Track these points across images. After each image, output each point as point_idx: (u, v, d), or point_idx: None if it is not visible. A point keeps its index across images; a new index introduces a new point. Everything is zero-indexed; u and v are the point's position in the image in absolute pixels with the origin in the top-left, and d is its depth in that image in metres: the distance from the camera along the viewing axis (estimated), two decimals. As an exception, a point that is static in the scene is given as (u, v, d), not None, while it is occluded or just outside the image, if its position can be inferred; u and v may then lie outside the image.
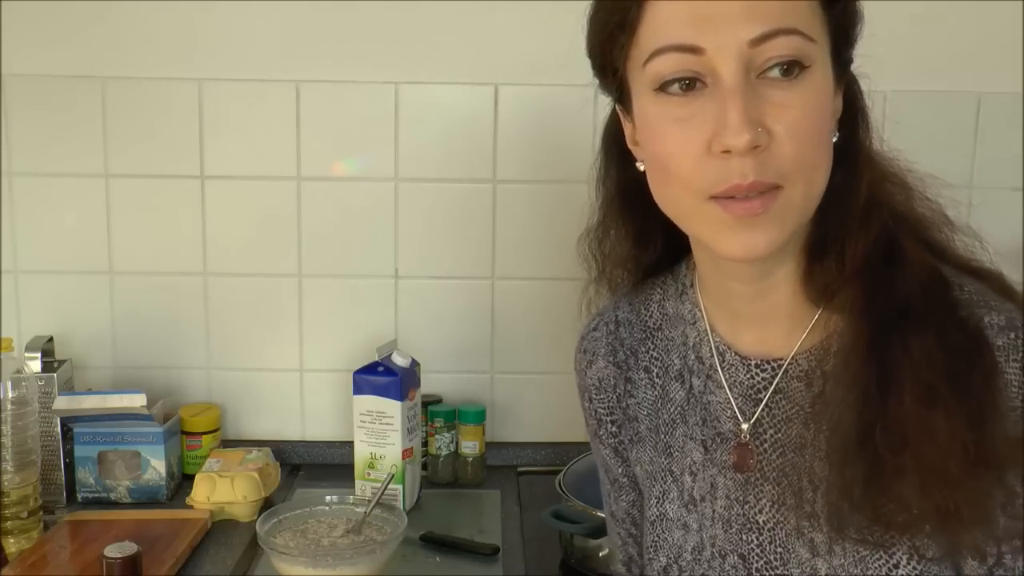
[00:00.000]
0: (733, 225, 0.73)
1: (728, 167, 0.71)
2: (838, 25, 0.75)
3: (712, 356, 0.87)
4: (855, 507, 0.74)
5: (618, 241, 0.91)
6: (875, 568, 0.77)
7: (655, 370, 0.93)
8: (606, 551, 1.33)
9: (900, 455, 0.72)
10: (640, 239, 0.89)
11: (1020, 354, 0.74)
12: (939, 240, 0.82)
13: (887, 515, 0.74)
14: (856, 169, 0.78)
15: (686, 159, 0.74)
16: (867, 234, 0.77)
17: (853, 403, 0.75)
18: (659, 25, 0.74)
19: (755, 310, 0.84)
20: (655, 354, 0.93)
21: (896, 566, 0.76)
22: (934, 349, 0.73)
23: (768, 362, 0.84)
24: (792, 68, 0.72)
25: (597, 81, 0.83)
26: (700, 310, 0.89)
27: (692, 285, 0.90)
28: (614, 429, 0.96)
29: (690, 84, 0.73)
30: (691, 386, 0.89)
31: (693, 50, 0.72)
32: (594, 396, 0.97)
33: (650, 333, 0.94)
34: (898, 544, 0.76)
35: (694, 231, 0.79)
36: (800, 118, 0.72)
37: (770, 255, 0.76)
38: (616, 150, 0.88)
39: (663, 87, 0.74)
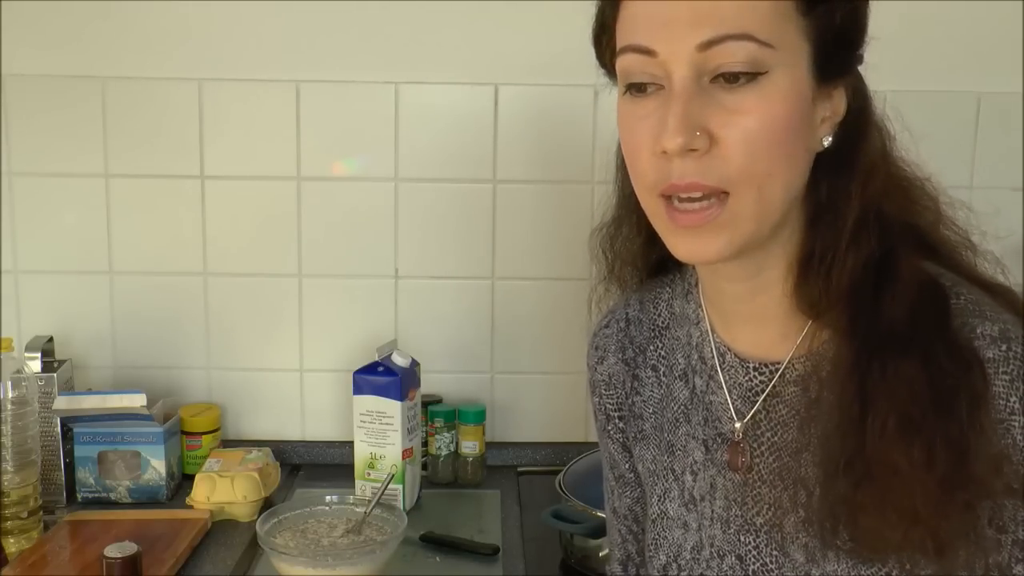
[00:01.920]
0: (680, 231, 0.75)
1: (669, 168, 0.73)
2: (823, 27, 0.74)
3: (713, 356, 0.87)
4: (839, 527, 0.75)
5: (630, 237, 0.91)
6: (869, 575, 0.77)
7: (662, 368, 0.93)
8: (606, 551, 1.33)
9: (866, 492, 0.73)
10: (651, 235, 0.88)
11: (1011, 366, 0.73)
12: (951, 255, 0.81)
13: (865, 541, 0.74)
14: (848, 181, 0.77)
15: (641, 157, 0.76)
16: (857, 253, 0.77)
17: (835, 428, 0.75)
18: (626, 26, 0.76)
19: (746, 311, 0.84)
20: (662, 352, 0.93)
21: (888, 575, 0.76)
22: (917, 376, 0.72)
23: (766, 365, 0.84)
24: (738, 78, 0.71)
25: (603, 72, 0.84)
26: (702, 310, 0.89)
27: (696, 285, 0.91)
28: (621, 425, 0.97)
29: (644, 87, 0.75)
30: (694, 385, 0.89)
31: (648, 52, 0.73)
32: (603, 392, 0.98)
33: (658, 332, 0.94)
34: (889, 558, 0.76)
35: (656, 230, 0.79)
36: (751, 124, 0.72)
37: (726, 259, 0.76)
38: None
39: (627, 85, 0.76)
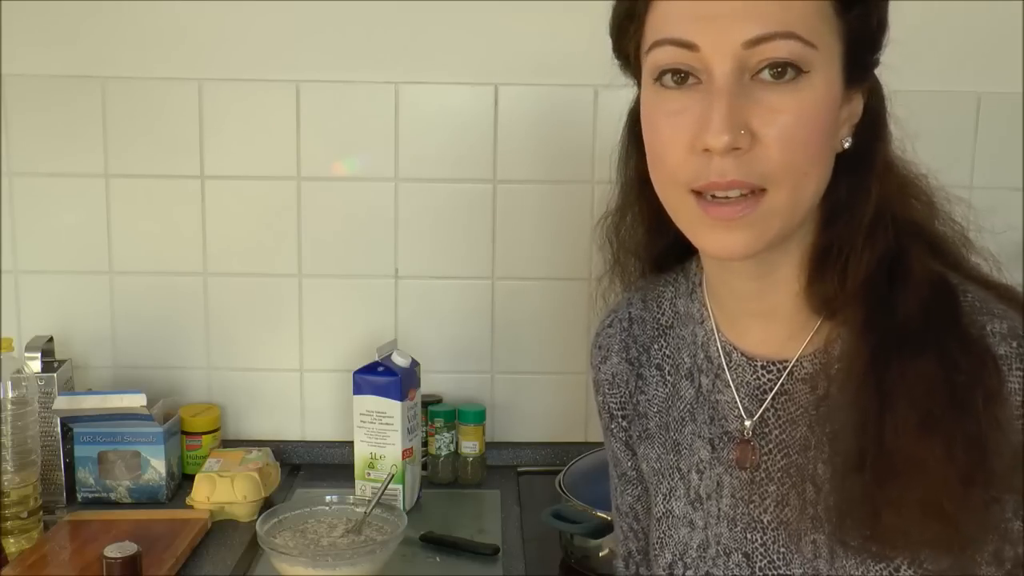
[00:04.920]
0: (712, 225, 0.74)
1: (708, 165, 0.72)
2: (854, 29, 0.74)
3: (719, 355, 0.87)
4: (855, 524, 0.75)
5: (634, 226, 0.90)
6: (876, 572, 0.77)
7: (667, 368, 0.93)
8: (606, 551, 1.33)
9: (890, 488, 0.72)
10: (655, 225, 0.88)
11: (1023, 363, 0.74)
12: (954, 254, 0.81)
13: (884, 538, 0.74)
14: (867, 181, 0.78)
15: (673, 152, 0.75)
16: (872, 251, 0.77)
17: (852, 425, 0.75)
18: (662, 18, 0.75)
19: (757, 309, 0.84)
20: (667, 352, 0.93)
21: (897, 569, 0.76)
22: (934, 372, 0.73)
23: (774, 363, 0.84)
24: (785, 71, 0.71)
25: (618, 63, 0.83)
26: (707, 309, 0.89)
27: (700, 284, 0.91)
28: (625, 424, 0.97)
29: (684, 77, 0.74)
30: (700, 384, 0.90)
31: (689, 46, 0.72)
32: (607, 391, 0.98)
33: (662, 331, 0.94)
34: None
35: (679, 224, 0.79)
36: (791, 123, 0.72)
37: (751, 256, 0.76)
38: (639, 132, 0.88)
39: (659, 78, 0.75)
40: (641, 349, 0.95)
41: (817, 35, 0.72)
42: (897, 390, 0.73)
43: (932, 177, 0.82)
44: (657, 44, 0.74)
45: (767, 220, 0.74)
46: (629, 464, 0.98)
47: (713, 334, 0.88)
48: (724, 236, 0.74)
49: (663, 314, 0.94)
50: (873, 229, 0.77)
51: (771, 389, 0.84)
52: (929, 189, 0.82)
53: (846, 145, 0.78)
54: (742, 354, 0.86)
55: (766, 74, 0.71)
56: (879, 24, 0.77)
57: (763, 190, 0.73)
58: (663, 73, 0.74)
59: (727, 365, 0.87)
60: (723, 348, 0.87)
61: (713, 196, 0.73)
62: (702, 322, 0.90)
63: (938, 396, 0.72)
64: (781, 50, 0.71)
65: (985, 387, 0.72)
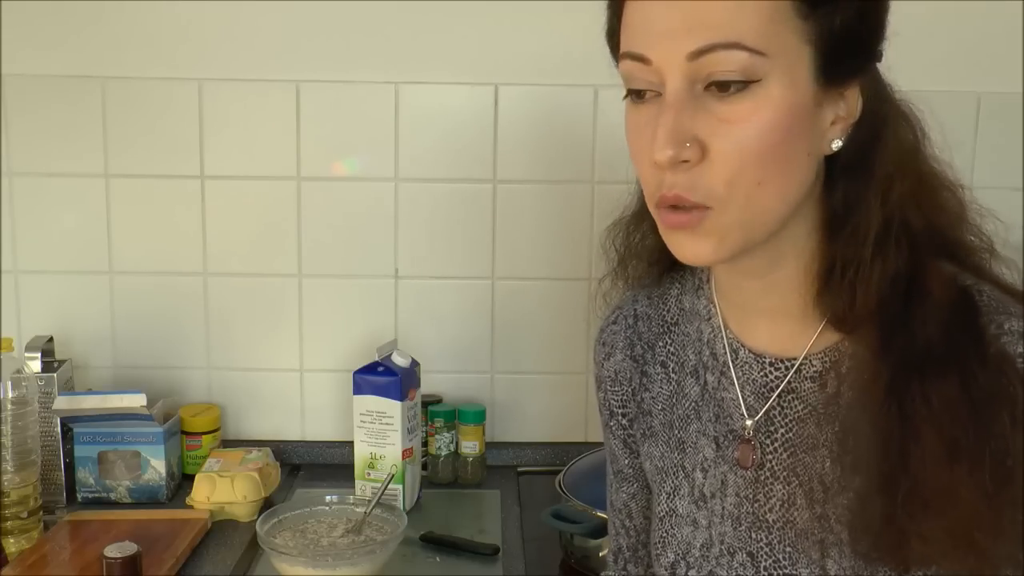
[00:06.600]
0: (673, 232, 0.76)
1: (661, 178, 0.74)
2: (826, 30, 0.72)
3: (725, 352, 0.87)
4: (877, 546, 0.74)
5: (647, 234, 0.90)
6: (884, 572, 0.77)
7: (671, 365, 0.93)
8: (606, 551, 1.33)
9: (920, 519, 0.72)
10: None
11: None
12: (976, 265, 0.80)
13: (909, 563, 0.74)
14: (866, 185, 0.76)
15: (640, 165, 0.77)
16: (883, 266, 0.75)
17: (873, 448, 0.74)
18: (626, 31, 0.76)
19: (764, 306, 0.84)
20: (672, 349, 0.93)
21: (906, 570, 0.76)
22: (957, 396, 0.72)
23: (782, 360, 0.83)
24: (730, 84, 0.71)
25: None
26: (714, 306, 0.89)
27: (707, 281, 0.91)
28: (625, 422, 0.97)
29: (643, 92, 0.75)
30: (705, 382, 0.89)
31: (643, 60, 0.73)
32: (609, 388, 0.97)
33: (668, 328, 0.94)
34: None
35: (660, 231, 0.80)
36: (741, 133, 0.71)
37: (722, 261, 0.76)
38: None
39: (628, 92, 0.77)
40: (646, 346, 0.95)
41: (770, 41, 0.70)
42: (921, 418, 0.72)
43: (967, 189, 0.80)
44: (621, 57, 0.76)
45: (722, 232, 0.74)
46: (626, 462, 0.98)
47: (720, 331, 0.88)
48: (686, 242, 0.75)
49: (668, 311, 0.94)
50: (882, 242, 0.75)
51: (778, 387, 0.83)
52: (961, 196, 0.80)
53: (835, 147, 0.76)
54: (750, 351, 0.85)
55: (714, 88, 0.71)
56: (860, 18, 0.74)
57: (707, 208, 0.73)
58: (629, 87, 0.76)
59: (732, 362, 0.86)
60: (730, 345, 0.87)
61: (671, 206, 0.74)
62: (709, 319, 0.90)
63: (963, 421, 0.71)
64: (726, 62, 0.70)
65: (1010, 403, 0.71)
